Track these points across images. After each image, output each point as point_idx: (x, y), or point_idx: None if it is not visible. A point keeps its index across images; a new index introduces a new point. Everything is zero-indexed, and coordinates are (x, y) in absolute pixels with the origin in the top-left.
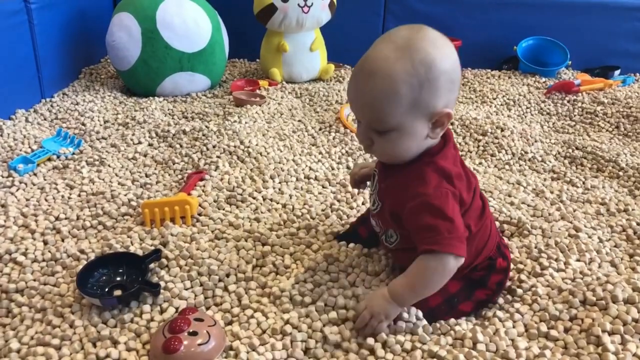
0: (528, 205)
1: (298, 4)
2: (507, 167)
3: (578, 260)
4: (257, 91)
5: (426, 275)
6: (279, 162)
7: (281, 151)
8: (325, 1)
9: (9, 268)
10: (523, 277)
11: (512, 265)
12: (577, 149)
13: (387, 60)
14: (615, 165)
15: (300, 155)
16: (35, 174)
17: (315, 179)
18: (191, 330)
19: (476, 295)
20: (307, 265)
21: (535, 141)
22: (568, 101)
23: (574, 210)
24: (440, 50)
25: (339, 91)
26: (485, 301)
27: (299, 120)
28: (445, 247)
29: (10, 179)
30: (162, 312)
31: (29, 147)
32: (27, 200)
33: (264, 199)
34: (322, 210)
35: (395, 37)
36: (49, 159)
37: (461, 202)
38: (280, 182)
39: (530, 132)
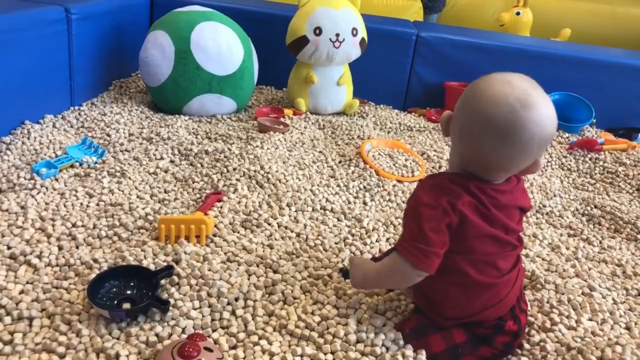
0: (543, 259)
1: (330, 39)
2: (524, 218)
3: (590, 319)
4: (282, 119)
5: (386, 266)
6: (297, 191)
7: (300, 180)
8: (357, 38)
9: (23, 270)
10: (533, 331)
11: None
12: (595, 207)
13: None
14: (633, 227)
15: (318, 185)
16: (56, 179)
17: (331, 210)
18: (201, 359)
19: (481, 351)
20: (316, 297)
21: (554, 195)
22: (590, 159)
23: (589, 269)
24: None
25: (361, 126)
26: (490, 359)
27: (320, 152)
28: (405, 252)
29: (32, 181)
30: (169, 330)
31: (54, 152)
32: (47, 204)
33: (278, 226)
34: (336, 243)
35: None
36: (72, 166)
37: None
38: (296, 211)
39: (549, 186)
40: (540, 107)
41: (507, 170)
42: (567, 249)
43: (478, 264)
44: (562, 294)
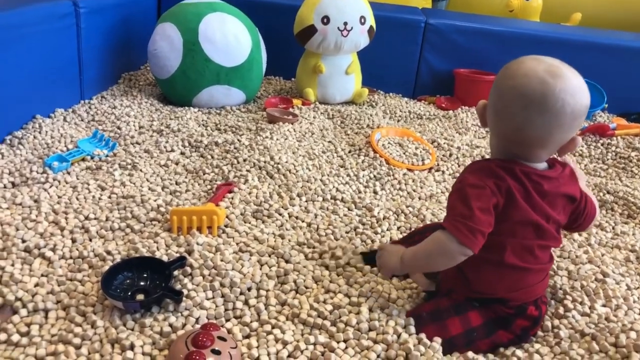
0: None
1: (338, 28)
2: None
3: (604, 305)
4: (291, 109)
5: (428, 246)
6: (307, 181)
7: (310, 170)
8: (365, 26)
9: (38, 263)
10: (546, 317)
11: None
12: (608, 193)
13: None
14: None
15: (328, 175)
16: (68, 173)
17: (342, 200)
18: (215, 349)
19: (498, 335)
20: (327, 286)
21: None
22: (602, 144)
23: (602, 255)
24: None
25: (370, 115)
26: (506, 344)
27: (329, 141)
28: (451, 228)
29: (45, 175)
30: (182, 320)
31: (65, 146)
32: (59, 197)
33: (289, 216)
34: (347, 232)
35: None
36: (83, 159)
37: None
38: (306, 201)
39: None
40: (570, 77)
41: (545, 146)
42: (580, 235)
43: (516, 248)
44: (575, 280)
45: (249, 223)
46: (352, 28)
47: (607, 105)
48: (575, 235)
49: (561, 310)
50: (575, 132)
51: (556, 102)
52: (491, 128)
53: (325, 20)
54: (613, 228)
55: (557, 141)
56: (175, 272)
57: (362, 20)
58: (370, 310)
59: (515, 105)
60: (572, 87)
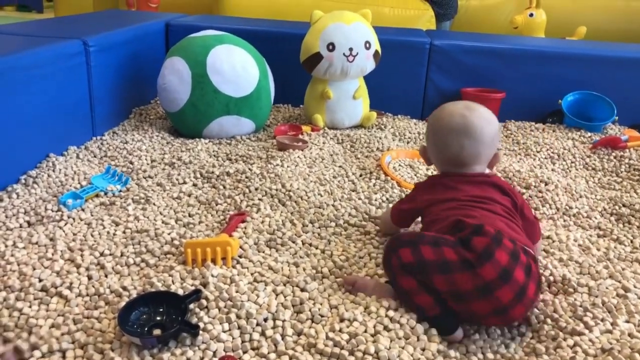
0: (575, 262)
1: (343, 53)
2: (550, 221)
3: (627, 321)
4: (300, 136)
5: (384, 214)
6: (319, 207)
7: (321, 196)
8: (370, 51)
9: (55, 301)
10: (566, 335)
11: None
12: (624, 206)
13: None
14: None
15: (340, 200)
16: (83, 210)
17: (354, 225)
18: None
19: (460, 250)
20: (343, 314)
21: (580, 196)
22: (614, 157)
23: (623, 269)
24: None
25: (380, 138)
26: (469, 264)
27: (340, 166)
28: (392, 207)
29: (60, 213)
30: (200, 354)
31: (79, 182)
32: (74, 234)
33: (303, 244)
34: (361, 257)
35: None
36: (97, 195)
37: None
38: (319, 227)
39: (575, 187)
40: (481, 109)
41: (478, 162)
42: (598, 250)
43: (457, 208)
44: (596, 296)
45: (263, 252)
46: (357, 53)
47: (617, 118)
48: (594, 251)
49: (582, 327)
50: (496, 149)
51: (476, 128)
52: (435, 161)
53: (331, 47)
54: (631, 241)
55: (486, 156)
56: (191, 306)
57: (367, 45)
58: (390, 337)
59: (449, 137)
60: (485, 114)
